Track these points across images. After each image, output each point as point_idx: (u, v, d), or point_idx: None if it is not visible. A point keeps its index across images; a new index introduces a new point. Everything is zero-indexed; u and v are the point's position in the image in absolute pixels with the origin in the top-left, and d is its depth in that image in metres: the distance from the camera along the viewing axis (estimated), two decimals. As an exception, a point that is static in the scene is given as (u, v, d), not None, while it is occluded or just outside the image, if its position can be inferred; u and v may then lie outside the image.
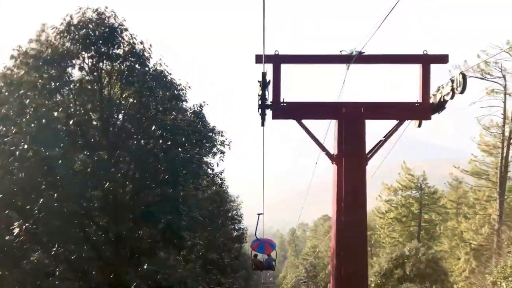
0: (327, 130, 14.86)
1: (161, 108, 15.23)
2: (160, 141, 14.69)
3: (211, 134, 16.61)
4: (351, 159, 12.75)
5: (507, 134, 30.79)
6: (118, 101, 15.10)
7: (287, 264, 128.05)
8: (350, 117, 12.86)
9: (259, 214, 16.17)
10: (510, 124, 30.52)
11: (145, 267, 15.50)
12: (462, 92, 11.24)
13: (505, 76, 29.88)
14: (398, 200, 49.56)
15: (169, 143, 14.72)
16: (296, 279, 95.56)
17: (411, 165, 50.35)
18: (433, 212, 49.27)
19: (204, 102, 16.73)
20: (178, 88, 15.84)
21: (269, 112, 13.29)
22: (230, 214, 33.37)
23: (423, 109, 13.06)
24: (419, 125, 13.80)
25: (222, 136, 17.22)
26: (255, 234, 16.49)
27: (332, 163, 13.60)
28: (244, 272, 34.29)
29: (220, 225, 25.62)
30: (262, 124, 13.85)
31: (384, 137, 13.38)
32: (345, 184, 12.68)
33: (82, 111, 14.71)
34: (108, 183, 13.76)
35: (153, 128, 14.55)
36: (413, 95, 13.16)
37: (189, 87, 15.93)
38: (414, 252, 33.02)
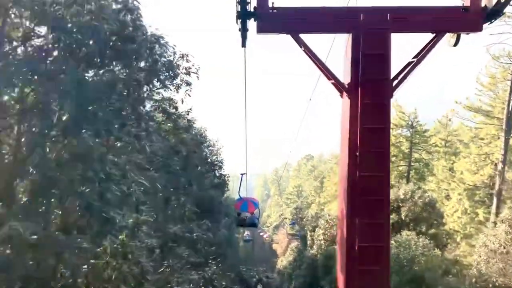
0: (329, 51, 10.84)
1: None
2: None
3: (170, 56, 12.12)
4: (371, 89, 8.82)
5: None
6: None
7: (270, 203, 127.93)
8: (372, 28, 8.77)
9: (242, 174, 16.06)
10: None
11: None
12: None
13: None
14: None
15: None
16: (281, 218, 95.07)
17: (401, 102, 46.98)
18: (424, 151, 46.57)
19: None
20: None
21: (253, 24, 9.15)
22: (209, 160, 29.78)
23: (472, 16, 9.03)
24: (456, 43, 9.80)
25: (187, 61, 12.82)
26: (239, 193, 16.18)
27: (341, 96, 9.69)
28: (227, 220, 31.39)
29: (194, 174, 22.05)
30: (243, 44, 9.70)
31: (416, 57, 9.40)
32: (362, 123, 8.84)
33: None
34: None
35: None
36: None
37: None
38: (409, 195, 30.26)
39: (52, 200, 9.70)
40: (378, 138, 8.91)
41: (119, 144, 10.00)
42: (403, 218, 29.34)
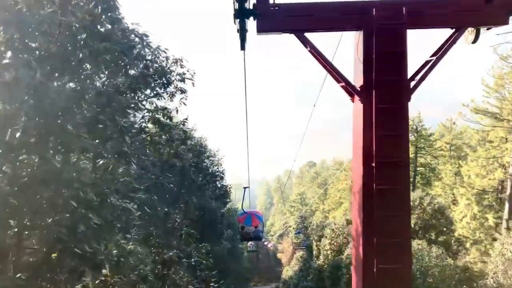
0: (334, 52, 9.91)
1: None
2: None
3: (163, 62, 11.12)
4: (386, 91, 7.86)
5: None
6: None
7: (273, 211, 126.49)
8: (385, 24, 7.82)
9: (245, 188, 15.76)
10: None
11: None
12: None
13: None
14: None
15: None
16: (285, 227, 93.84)
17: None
18: (429, 156, 45.58)
19: None
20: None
21: (252, 24, 8.25)
22: (210, 171, 28.78)
23: (497, 9, 8.11)
24: (475, 40, 8.87)
25: (181, 66, 11.87)
26: (242, 207, 16.11)
27: (352, 100, 8.74)
28: (229, 232, 30.27)
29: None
30: (242, 47, 8.78)
31: (434, 55, 8.45)
32: (377, 130, 7.88)
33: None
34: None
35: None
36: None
37: None
38: (418, 202, 29.16)
39: (11, 233, 7.73)
40: (396, 146, 7.95)
41: (99, 163, 8.60)
42: (412, 226, 28.20)
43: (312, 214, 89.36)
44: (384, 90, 7.80)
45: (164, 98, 11.58)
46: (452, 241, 31.25)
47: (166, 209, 18.85)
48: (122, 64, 9.52)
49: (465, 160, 36.98)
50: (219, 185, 29.68)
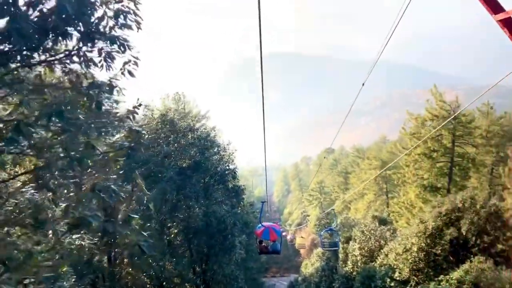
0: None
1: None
2: None
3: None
4: None
5: None
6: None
7: (291, 199, 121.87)
8: None
9: (262, 202, 15.99)
10: None
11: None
12: None
13: None
14: (426, 132, 39.84)
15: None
16: (303, 216, 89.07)
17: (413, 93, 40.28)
18: (468, 145, 39.75)
19: None
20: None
21: None
22: (219, 169, 23.65)
23: None
24: None
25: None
26: (260, 220, 15.51)
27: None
28: (244, 238, 25.31)
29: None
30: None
31: None
32: None
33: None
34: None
35: None
36: None
37: None
38: (469, 203, 23.73)
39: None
40: None
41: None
42: (464, 234, 22.88)
43: (332, 203, 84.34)
44: None
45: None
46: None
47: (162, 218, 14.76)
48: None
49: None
50: (230, 186, 24.49)
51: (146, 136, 19.33)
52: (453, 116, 35.62)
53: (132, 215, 7.63)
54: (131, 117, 6.81)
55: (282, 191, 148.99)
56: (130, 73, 6.28)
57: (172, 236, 20.77)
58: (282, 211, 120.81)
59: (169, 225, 20.02)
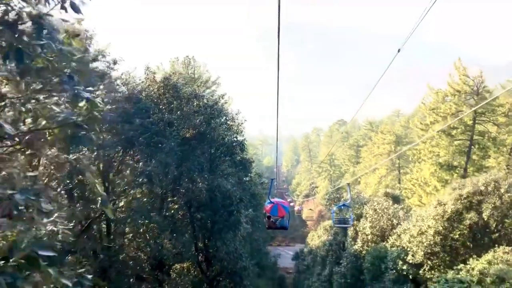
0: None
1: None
2: None
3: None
4: None
5: None
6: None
7: (300, 170, 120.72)
8: None
9: (272, 179, 16.94)
10: None
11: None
12: None
13: None
14: (446, 108, 37.70)
15: None
16: (311, 187, 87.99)
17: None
18: (490, 123, 37.57)
19: None
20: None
21: None
22: (226, 140, 22.01)
23: None
24: None
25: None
26: (268, 196, 15.66)
27: None
28: (250, 212, 23.99)
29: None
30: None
31: None
32: None
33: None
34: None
35: None
36: None
37: None
38: (492, 187, 21.97)
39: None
40: None
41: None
42: (485, 219, 21.26)
43: (341, 176, 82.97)
44: None
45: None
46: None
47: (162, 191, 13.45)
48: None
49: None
50: (238, 158, 22.86)
51: (146, 100, 17.74)
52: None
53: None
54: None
55: (291, 161, 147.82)
56: (73, 6, 4.68)
57: (173, 211, 19.52)
58: (291, 181, 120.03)
59: (169, 199, 18.76)
